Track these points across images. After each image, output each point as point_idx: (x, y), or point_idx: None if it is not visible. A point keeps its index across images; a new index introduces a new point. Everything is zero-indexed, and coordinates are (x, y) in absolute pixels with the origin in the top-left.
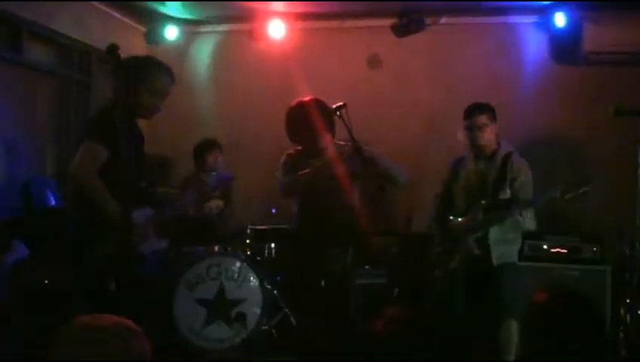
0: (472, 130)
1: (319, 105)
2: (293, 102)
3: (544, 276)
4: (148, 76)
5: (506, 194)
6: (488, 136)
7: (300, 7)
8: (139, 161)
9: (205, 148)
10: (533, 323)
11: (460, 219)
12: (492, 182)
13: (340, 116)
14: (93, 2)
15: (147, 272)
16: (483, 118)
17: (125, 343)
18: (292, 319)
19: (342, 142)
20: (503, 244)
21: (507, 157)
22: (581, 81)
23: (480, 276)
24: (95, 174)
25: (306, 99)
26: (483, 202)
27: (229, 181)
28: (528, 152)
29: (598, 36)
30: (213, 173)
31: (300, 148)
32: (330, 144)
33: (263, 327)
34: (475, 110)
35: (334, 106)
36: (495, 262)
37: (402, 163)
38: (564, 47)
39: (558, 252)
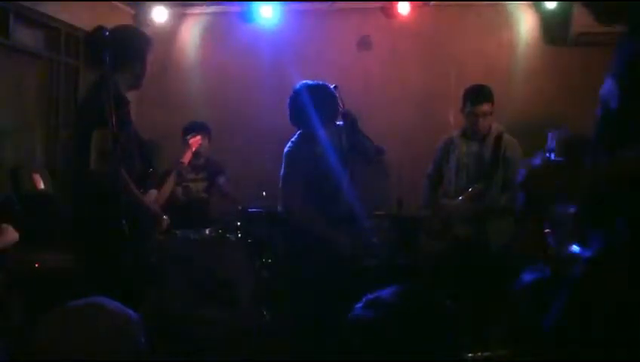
0: (475, 117)
1: (324, 90)
2: (300, 83)
3: (537, 257)
4: (142, 45)
5: (500, 175)
6: (489, 123)
7: None
8: (137, 141)
9: (192, 131)
10: (521, 304)
11: (454, 202)
12: (487, 164)
13: None
14: None
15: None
16: (487, 106)
17: (114, 325)
18: (283, 301)
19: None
20: (498, 226)
21: (499, 138)
22: (570, 62)
23: (474, 259)
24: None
25: (311, 83)
26: (478, 185)
27: (219, 167)
28: (517, 133)
29: (587, 17)
30: (201, 157)
31: (300, 132)
32: (330, 133)
33: (254, 309)
34: (480, 97)
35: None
36: (491, 244)
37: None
38: (553, 28)
39: (549, 233)
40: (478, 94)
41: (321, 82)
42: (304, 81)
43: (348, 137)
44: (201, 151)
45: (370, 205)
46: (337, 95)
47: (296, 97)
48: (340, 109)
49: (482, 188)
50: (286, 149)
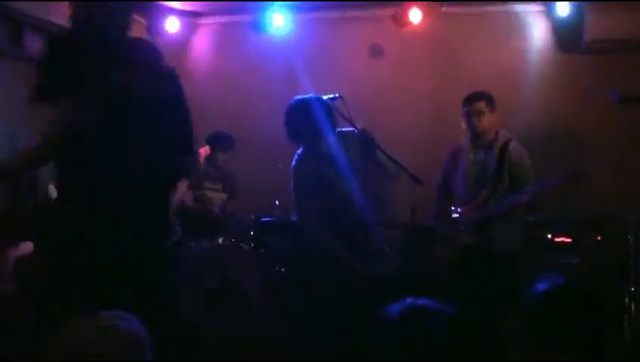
0: (470, 116)
1: (319, 102)
2: (291, 100)
3: (547, 265)
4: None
5: (506, 183)
6: (486, 124)
7: None
8: None
9: (207, 141)
10: (534, 314)
11: (459, 210)
12: (492, 172)
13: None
14: None
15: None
16: (481, 105)
17: (125, 335)
18: (297, 310)
19: (345, 130)
20: (505, 234)
21: (505, 145)
22: (584, 69)
23: (480, 266)
24: None
25: (305, 96)
26: (484, 192)
27: (234, 184)
28: (531, 141)
29: (600, 24)
30: (216, 168)
31: (303, 146)
32: (332, 143)
33: (267, 318)
34: (473, 97)
35: (325, 97)
36: (496, 252)
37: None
38: (566, 35)
39: (562, 241)
40: (471, 95)
41: (311, 95)
42: (294, 98)
43: (364, 153)
44: (215, 162)
45: (382, 213)
46: (335, 104)
47: (289, 115)
48: (358, 128)
49: (488, 195)
50: (292, 163)
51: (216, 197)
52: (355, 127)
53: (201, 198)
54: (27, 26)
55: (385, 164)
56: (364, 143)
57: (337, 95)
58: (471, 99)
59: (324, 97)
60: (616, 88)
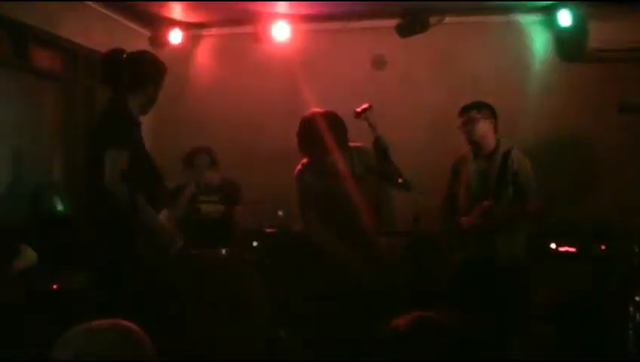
0: (464, 126)
1: (329, 119)
2: (305, 114)
3: (552, 275)
4: (156, 70)
5: (509, 191)
6: (481, 131)
7: (304, 9)
8: (148, 161)
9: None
10: (540, 324)
11: (463, 220)
12: (494, 181)
13: (366, 118)
14: (97, 7)
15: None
16: (473, 113)
17: (131, 344)
18: (300, 321)
19: (358, 144)
20: (509, 243)
21: (507, 154)
22: (587, 79)
23: (485, 276)
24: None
25: (317, 111)
26: (486, 202)
27: (235, 186)
28: (534, 150)
29: (603, 33)
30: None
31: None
32: (339, 159)
33: (270, 330)
34: (465, 107)
35: (359, 109)
36: (501, 261)
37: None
38: (569, 45)
39: (566, 250)
40: (464, 105)
41: (327, 110)
42: (311, 110)
43: (376, 162)
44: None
45: (385, 222)
46: (366, 115)
47: (298, 129)
48: (376, 137)
49: (491, 204)
50: (296, 172)
51: (212, 209)
52: (378, 140)
53: (197, 212)
54: (33, 38)
55: (392, 176)
56: (377, 151)
57: (368, 106)
58: (463, 111)
59: (358, 109)
60: (619, 97)
